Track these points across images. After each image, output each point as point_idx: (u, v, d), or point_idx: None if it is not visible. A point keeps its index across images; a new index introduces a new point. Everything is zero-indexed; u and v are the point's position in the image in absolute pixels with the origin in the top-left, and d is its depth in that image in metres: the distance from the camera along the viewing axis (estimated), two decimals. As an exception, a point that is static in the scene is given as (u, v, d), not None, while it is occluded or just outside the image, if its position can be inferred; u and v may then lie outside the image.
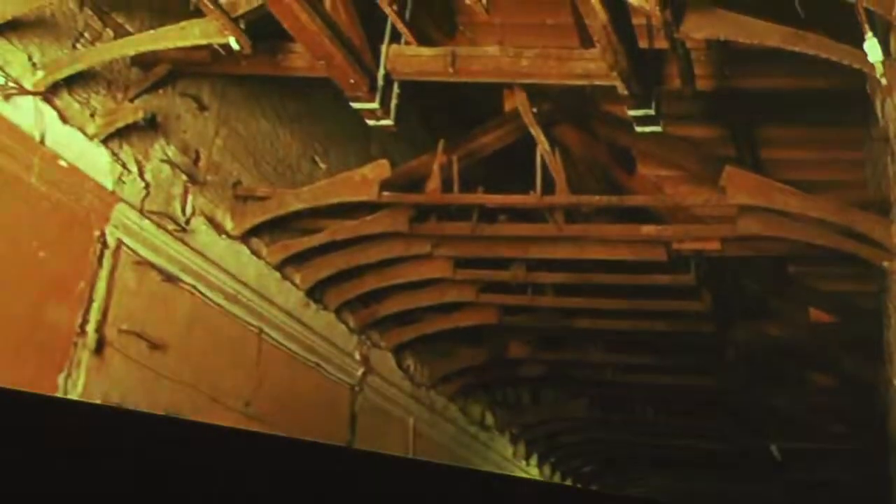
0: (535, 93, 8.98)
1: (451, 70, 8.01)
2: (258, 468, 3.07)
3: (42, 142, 7.73)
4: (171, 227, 8.99)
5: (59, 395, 7.56)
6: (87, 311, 8.13)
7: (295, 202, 9.95)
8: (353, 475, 3.41)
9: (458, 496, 3.71)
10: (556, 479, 18.50)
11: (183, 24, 7.63)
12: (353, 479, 3.37)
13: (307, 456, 3.47)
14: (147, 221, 8.71)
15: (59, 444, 2.69)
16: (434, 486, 3.68)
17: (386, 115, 8.21)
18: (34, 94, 7.67)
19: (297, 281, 10.87)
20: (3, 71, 7.48)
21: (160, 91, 8.93)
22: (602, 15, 6.75)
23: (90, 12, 8.16)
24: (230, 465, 3.05)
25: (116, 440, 2.87)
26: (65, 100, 7.99)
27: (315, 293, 11.18)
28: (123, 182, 8.46)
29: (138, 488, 2.77)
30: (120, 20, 8.39)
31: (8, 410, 2.72)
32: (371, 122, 8.36)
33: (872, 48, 6.21)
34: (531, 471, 17.56)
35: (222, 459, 3.05)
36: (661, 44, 7.48)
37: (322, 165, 11.32)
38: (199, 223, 9.37)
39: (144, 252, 8.74)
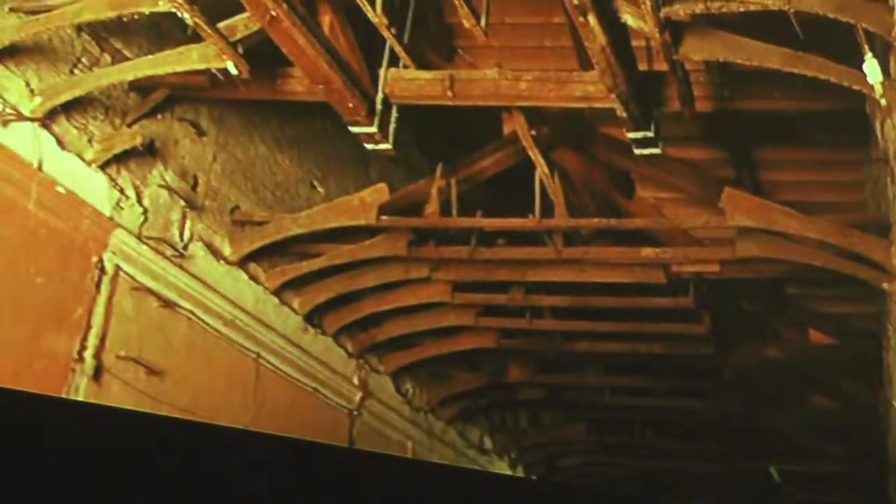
0: (534, 116, 8.97)
1: (449, 93, 8.00)
2: (258, 468, 3.06)
3: (40, 168, 7.71)
4: (168, 252, 8.96)
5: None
6: (84, 338, 8.11)
7: (293, 227, 9.92)
8: (354, 475, 3.40)
9: (459, 496, 3.69)
10: (555, 502, 18.38)
11: (181, 48, 7.63)
12: (354, 479, 3.36)
13: (307, 456, 3.45)
14: (145, 247, 8.69)
15: (59, 444, 2.69)
16: (434, 486, 3.67)
17: (384, 138, 8.20)
18: (32, 120, 7.66)
19: (296, 306, 10.82)
20: (1, 97, 7.47)
21: (158, 116, 8.91)
22: (601, 37, 6.74)
23: (88, 38, 8.15)
24: (230, 465, 3.04)
25: (116, 440, 2.86)
26: (63, 126, 7.97)
27: (313, 318, 11.14)
28: (121, 208, 8.44)
29: (138, 488, 2.76)
30: (118, 45, 8.38)
31: (8, 410, 2.71)
32: (369, 146, 8.36)
33: (872, 69, 6.21)
34: (530, 495, 17.44)
35: (223, 459, 3.04)
36: (661, 66, 7.48)
37: (320, 190, 11.29)
38: (197, 249, 9.34)
39: (142, 278, 8.72)
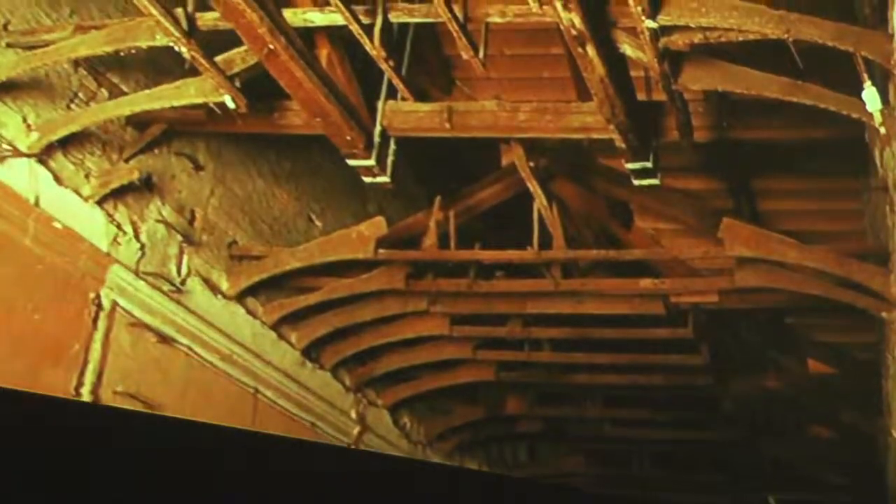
0: (533, 147, 8.95)
1: (447, 125, 7.98)
2: (258, 468, 3.05)
3: (37, 204, 7.68)
4: (166, 287, 8.92)
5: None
6: (82, 374, 8.07)
7: (291, 261, 9.89)
8: (354, 475, 3.38)
9: (459, 496, 3.67)
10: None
11: (178, 83, 7.62)
12: (353, 479, 3.34)
13: (307, 456, 3.43)
14: (142, 282, 8.65)
15: (60, 444, 2.67)
16: (434, 486, 3.65)
17: (382, 172, 8.17)
18: (29, 156, 7.63)
19: (293, 340, 10.78)
20: (-2, 133, 7.46)
21: (155, 151, 8.89)
22: (600, 68, 6.73)
23: (85, 72, 8.13)
24: (230, 465, 3.02)
25: (117, 440, 2.85)
26: (59, 161, 7.94)
27: (311, 352, 11.09)
28: (119, 243, 8.41)
29: (138, 488, 2.74)
30: (115, 80, 8.36)
31: (8, 410, 2.70)
32: (367, 180, 8.32)
33: (871, 97, 6.21)
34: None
35: (223, 459, 3.03)
36: (659, 96, 7.46)
37: (318, 223, 11.26)
38: (194, 283, 9.30)
39: (139, 313, 8.67)
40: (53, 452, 2.63)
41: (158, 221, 8.88)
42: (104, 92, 8.29)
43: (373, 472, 3.60)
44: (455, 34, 6.74)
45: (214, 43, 7.19)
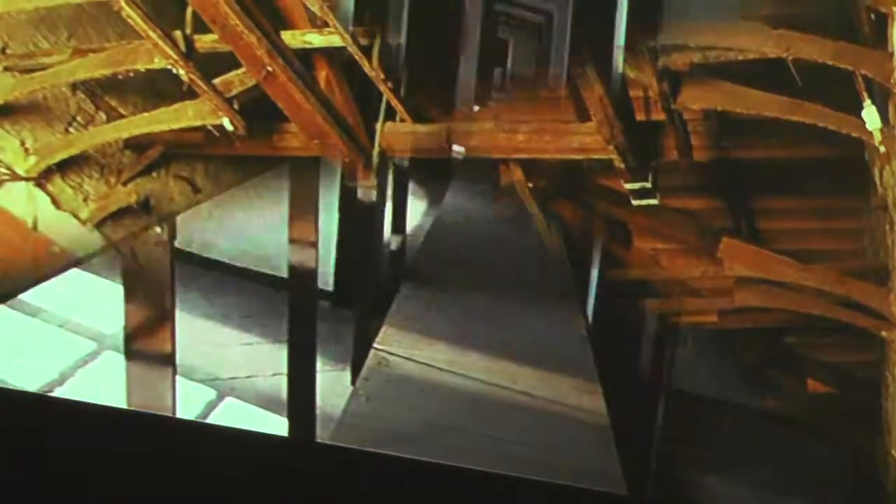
0: (532, 168, 8.93)
1: (446, 146, 7.96)
2: (258, 467, 3.03)
3: (35, 227, 7.65)
4: (165, 310, 8.90)
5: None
6: (80, 396, 8.05)
7: (290, 282, 9.86)
8: (354, 475, 3.37)
9: (458, 496, 3.65)
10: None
11: (176, 105, 7.60)
12: (354, 480, 3.33)
13: (308, 456, 3.42)
14: (141, 305, 8.62)
15: (60, 444, 2.67)
16: (434, 486, 3.63)
17: (381, 193, 8.17)
18: (27, 179, 7.60)
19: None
20: (-4, 157, 7.44)
21: (153, 174, 8.86)
22: (599, 88, 6.72)
23: (83, 95, 8.10)
24: (230, 465, 3.01)
25: (116, 440, 2.84)
26: (57, 185, 7.91)
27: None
28: (117, 266, 8.39)
29: (138, 488, 2.73)
30: (113, 103, 8.34)
31: (8, 410, 2.70)
32: (367, 201, 8.32)
33: (871, 116, 6.21)
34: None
35: (222, 459, 3.02)
36: (658, 115, 7.45)
37: (318, 245, 11.24)
38: (193, 306, 9.29)
39: (138, 337, 8.65)
40: (53, 452, 2.63)
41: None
42: (102, 115, 8.26)
43: (373, 472, 3.58)
44: (454, 54, 6.75)
45: (213, 64, 7.18)
